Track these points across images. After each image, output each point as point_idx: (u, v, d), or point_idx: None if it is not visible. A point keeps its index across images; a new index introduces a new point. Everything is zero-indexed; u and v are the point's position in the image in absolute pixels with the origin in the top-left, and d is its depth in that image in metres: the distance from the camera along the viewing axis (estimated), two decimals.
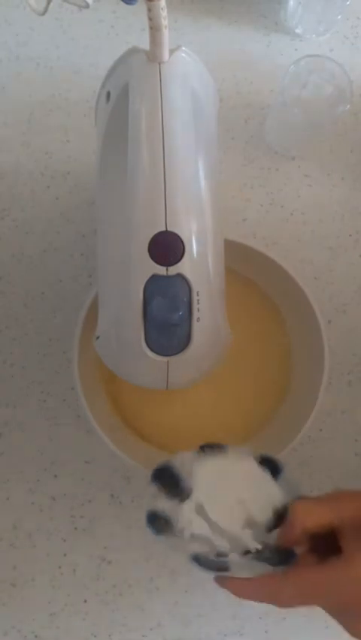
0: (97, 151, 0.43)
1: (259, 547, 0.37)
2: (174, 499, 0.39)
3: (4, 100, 0.58)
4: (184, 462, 0.40)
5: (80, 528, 0.53)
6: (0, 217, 0.57)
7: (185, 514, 0.38)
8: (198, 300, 0.37)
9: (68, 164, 0.58)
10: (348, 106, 0.52)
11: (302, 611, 0.53)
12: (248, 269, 0.52)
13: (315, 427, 0.54)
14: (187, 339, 0.38)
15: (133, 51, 0.37)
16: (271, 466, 0.40)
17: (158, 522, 0.39)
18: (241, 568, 0.37)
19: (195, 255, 0.36)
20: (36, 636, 0.52)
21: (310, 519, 0.35)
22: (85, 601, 0.53)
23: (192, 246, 0.36)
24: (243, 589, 0.37)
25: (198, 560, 0.37)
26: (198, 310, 0.37)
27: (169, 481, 0.39)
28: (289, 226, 0.58)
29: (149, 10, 0.32)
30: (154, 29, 0.33)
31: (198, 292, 0.37)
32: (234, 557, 0.37)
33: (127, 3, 0.37)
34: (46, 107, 0.58)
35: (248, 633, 0.53)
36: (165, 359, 0.38)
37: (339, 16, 0.57)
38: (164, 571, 0.53)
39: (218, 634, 0.53)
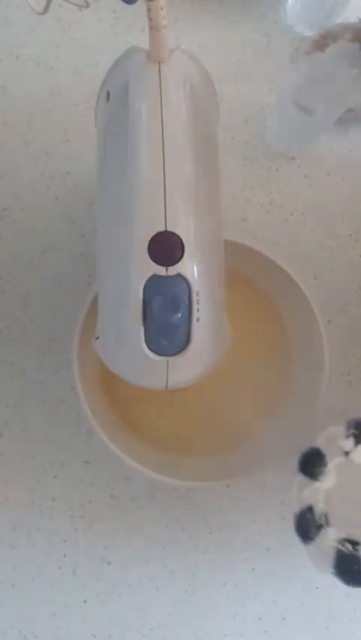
0: (97, 151, 0.43)
1: None
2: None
3: (4, 100, 0.58)
4: (332, 440, 0.38)
5: (80, 528, 0.53)
6: (0, 217, 0.57)
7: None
8: (198, 300, 0.37)
9: (68, 164, 0.58)
10: (348, 106, 0.52)
11: (302, 611, 0.53)
12: (248, 269, 0.52)
13: (315, 426, 0.54)
14: (187, 340, 0.38)
15: (133, 51, 0.37)
16: None
17: (308, 524, 0.37)
18: None
19: (194, 255, 0.36)
20: (36, 636, 0.52)
21: None
22: (85, 601, 0.53)
23: (192, 246, 0.36)
24: None
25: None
26: (198, 310, 0.37)
27: (318, 467, 0.38)
28: (289, 226, 0.58)
29: (149, 9, 0.32)
30: (154, 29, 0.33)
31: (197, 292, 0.36)
32: None
33: (127, 3, 0.37)
34: (46, 107, 0.58)
35: (248, 633, 0.53)
36: (164, 359, 0.38)
37: (338, 19, 0.58)
38: (164, 571, 0.53)
39: (218, 634, 0.53)
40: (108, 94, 0.40)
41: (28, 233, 0.57)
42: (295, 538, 0.53)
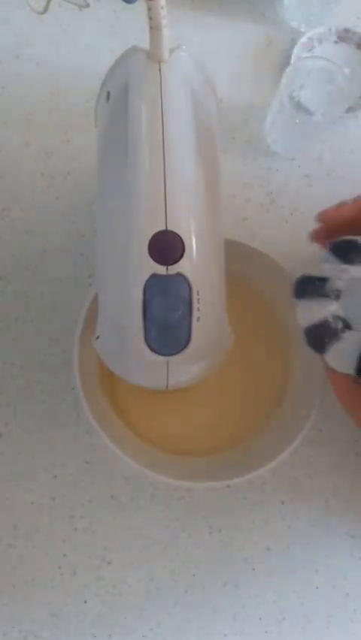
0: (97, 151, 0.43)
1: None
2: (327, 301, 0.38)
3: (4, 100, 0.58)
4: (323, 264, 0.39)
5: (80, 528, 0.53)
6: (0, 217, 0.57)
7: None
8: (198, 299, 0.37)
9: (68, 164, 0.58)
10: (347, 106, 0.52)
11: (302, 611, 0.53)
12: (248, 269, 0.52)
13: (315, 427, 0.54)
14: (187, 339, 0.38)
15: (133, 50, 0.37)
16: None
17: (308, 283, 0.39)
18: None
19: (195, 255, 0.36)
20: (36, 636, 0.52)
21: None
22: (85, 601, 0.53)
23: (192, 246, 0.36)
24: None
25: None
26: (199, 310, 0.37)
27: (314, 289, 0.39)
28: (289, 226, 0.58)
29: (149, 9, 0.32)
30: (154, 29, 0.33)
31: (198, 292, 0.36)
32: None
33: (127, 2, 0.37)
34: (46, 107, 0.58)
35: (248, 633, 0.53)
36: (165, 359, 0.38)
37: (333, 14, 0.58)
38: (164, 571, 0.53)
39: (218, 634, 0.53)
40: (108, 94, 0.40)
41: (28, 234, 0.57)
42: (295, 538, 0.53)
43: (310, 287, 0.40)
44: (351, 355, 0.38)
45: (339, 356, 0.39)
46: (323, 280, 0.39)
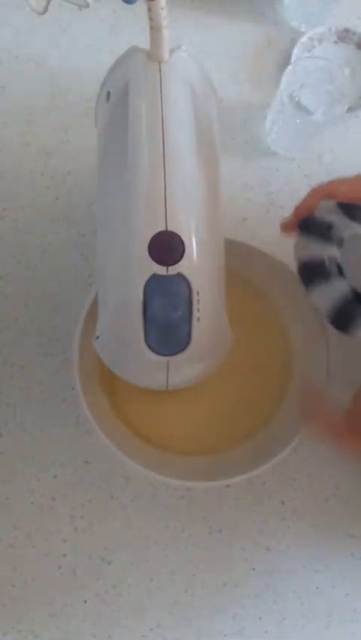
0: (97, 151, 0.43)
1: None
2: (328, 244, 0.39)
3: (4, 100, 0.58)
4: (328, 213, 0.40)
5: (80, 528, 0.53)
6: (0, 217, 0.57)
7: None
8: (198, 299, 0.37)
9: (68, 164, 0.58)
10: (347, 106, 0.52)
11: (302, 611, 0.53)
12: (248, 269, 0.52)
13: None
14: (187, 339, 0.38)
15: (133, 50, 0.37)
16: None
17: (308, 270, 0.40)
18: None
19: (195, 255, 0.36)
20: (36, 636, 0.52)
21: None
22: (85, 601, 0.53)
23: (192, 246, 0.36)
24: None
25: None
26: (199, 310, 0.37)
27: (318, 230, 0.40)
28: None
29: (149, 9, 0.32)
30: (154, 29, 0.33)
31: (198, 292, 0.37)
32: None
33: (127, 2, 0.37)
34: (46, 107, 0.58)
35: (248, 633, 0.53)
36: (165, 359, 0.38)
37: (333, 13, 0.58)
38: (164, 571, 0.53)
39: (218, 634, 0.53)
40: (108, 94, 0.40)
41: (28, 234, 0.57)
42: (295, 538, 0.53)
43: (316, 226, 0.40)
44: (331, 302, 0.40)
45: (322, 298, 0.40)
46: (330, 226, 0.40)
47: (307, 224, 0.41)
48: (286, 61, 0.59)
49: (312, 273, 0.41)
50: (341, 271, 0.40)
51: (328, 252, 0.40)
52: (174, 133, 0.35)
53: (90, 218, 0.57)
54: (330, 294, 0.40)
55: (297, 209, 0.43)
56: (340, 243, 0.40)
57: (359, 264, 0.39)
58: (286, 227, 0.44)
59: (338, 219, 0.40)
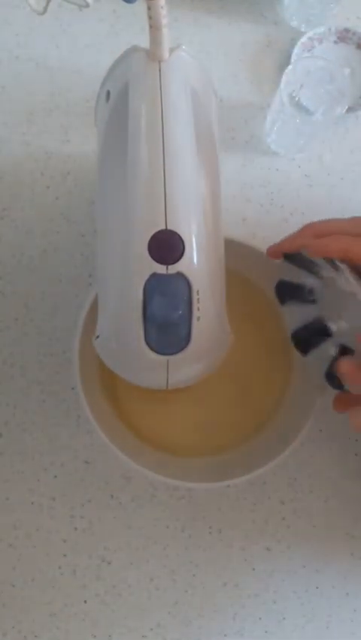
0: (97, 151, 0.43)
1: None
2: (309, 276, 0.41)
3: (4, 100, 0.58)
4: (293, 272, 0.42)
5: (80, 528, 0.53)
6: (0, 217, 0.57)
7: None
8: (198, 299, 0.37)
9: (68, 164, 0.58)
10: (347, 106, 0.52)
11: (302, 611, 0.53)
12: (248, 269, 0.52)
13: (315, 427, 0.54)
14: (187, 339, 0.38)
15: (133, 50, 0.37)
16: None
17: (285, 289, 0.42)
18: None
19: (195, 254, 0.36)
20: (36, 636, 0.52)
21: None
22: (85, 601, 0.53)
23: (192, 245, 0.36)
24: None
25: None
26: (199, 309, 0.37)
27: (302, 264, 0.41)
28: (289, 226, 0.57)
29: (149, 9, 0.32)
30: (154, 28, 0.33)
31: (198, 291, 0.36)
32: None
33: (127, 2, 0.37)
34: (46, 107, 0.58)
35: (248, 633, 0.53)
36: (164, 358, 0.38)
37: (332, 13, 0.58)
38: (164, 571, 0.53)
39: (218, 634, 0.53)
40: (108, 93, 0.40)
41: (28, 233, 0.57)
42: (294, 538, 0.53)
43: (289, 292, 0.42)
44: (299, 323, 0.41)
45: (292, 316, 0.42)
46: (299, 286, 0.41)
47: (292, 257, 0.42)
48: (286, 61, 0.59)
49: (288, 292, 0.43)
50: (315, 301, 0.41)
51: (308, 281, 0.42)
52: (173, 132, 0.35)
53: (90, 218, 0.57)
54: (300, 315, 0.42)
55: (283, 244, 0.43)
56: (321, 278, 0.41)
57: (335, 302, 0.40)
58: (272, 254, 0.44)
59: (322, 262, 0.40)
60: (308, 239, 0.41)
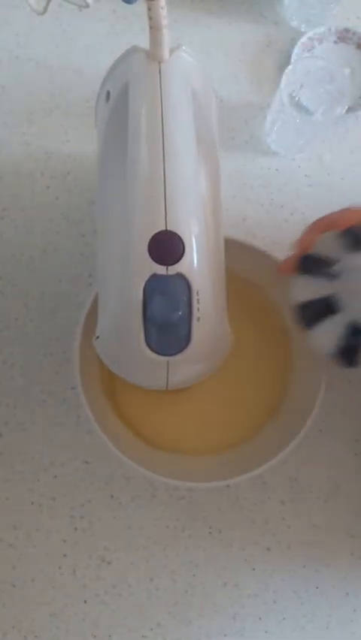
0: (97, 151, 0.43)
1: None
2: (328, 281, 0.39)
3: (4, 100, 0.58)
4: (329, 246, 0.40)
5: (80, 528, 0.53)
6: (0, 217, 0.57)
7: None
8: (198, 299, 0.37)
9: (68, 164, 0.58)
10: (347, 106, 0.52)
11: (302, 611, 0.53)
12: (248, 269, 0.52)
13: (315, 427, 0.54)
14: (187, 339, 0.38)
15: (133, 50, 0.37)
16: None
17: (313, 262, 0.39)
18: None
19: (195, 255, 0.36)
20: (36, 636, 0.52)
21: None
22: (85, 601, 0.53)
23: (192, 246, 0.36)
24: None
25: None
26: (199, 310, 0.37)
27: (318, 267, 0.39)
28: (289, 226, 0.58)
29: (149, 9, 0.32)
30: (154, 29, 0.33)
31: (198, 292, 0.37)
32: None
33: (127, 2, 0.37)
34: (46, 107, 0.58)
35: (248, 633, 0.53)
36: (164, 359, 0.38)
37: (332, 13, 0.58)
38: (164, 571, 0.53)
39: (218, 634, 0.53)
40: (108, 94, 0.40)
41: (28, 234, 0.57)
42: (295, 538, 0.53)
43: (315, 264, 0.40)
44: (336, 340, 0.39)
45: (325, 337, 0.40)
46: (330, 262, 0.39)
47: (306, 262, 0.40)
48: (286, 61, 0.59)
49: (313, 313, 0.40)
50: (340, 305, 0.39)
51: (328, 289, 0.40)
52: (174, 132, 0.35)
53: (90, 218, 0.57)
54: (333, 332, 0.40)
55: (296, 244, 0.42)
56: (340, 275, 0.39)
57: (355, 286, 0.39)
58: (284, 269, 0.43)
59: (338, 253, 0.39)
60: (319, 231, 0.41)
